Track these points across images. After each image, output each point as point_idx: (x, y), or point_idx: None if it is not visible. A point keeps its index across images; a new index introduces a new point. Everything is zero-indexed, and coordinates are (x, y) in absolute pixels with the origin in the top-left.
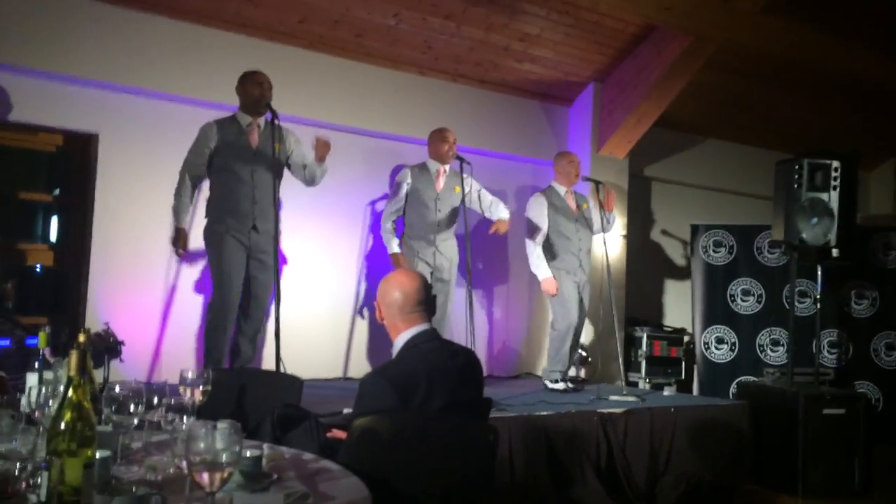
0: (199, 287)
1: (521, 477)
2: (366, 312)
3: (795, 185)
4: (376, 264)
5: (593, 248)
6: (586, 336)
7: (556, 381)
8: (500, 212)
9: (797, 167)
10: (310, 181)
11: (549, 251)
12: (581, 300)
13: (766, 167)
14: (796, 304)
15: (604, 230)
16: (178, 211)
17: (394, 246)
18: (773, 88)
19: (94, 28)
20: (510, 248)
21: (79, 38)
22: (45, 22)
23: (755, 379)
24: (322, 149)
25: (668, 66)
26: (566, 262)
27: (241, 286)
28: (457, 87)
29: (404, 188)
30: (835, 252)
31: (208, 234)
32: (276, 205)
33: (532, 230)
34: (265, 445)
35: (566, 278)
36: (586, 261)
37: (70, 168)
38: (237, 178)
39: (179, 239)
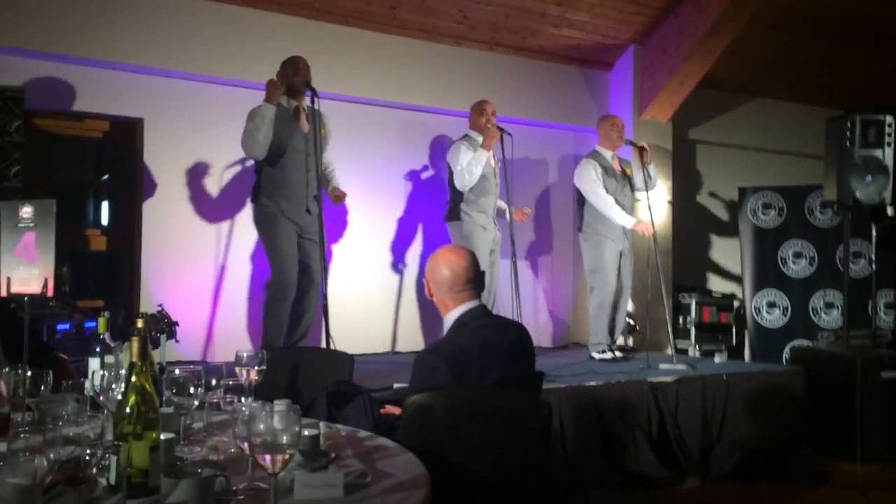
0: (248, 266)
1: (574, 448)
2: (408, 287)
3: (847, 143)
4: (418, 237)
5: (638, 214)
6: (635, 304)
7: (603, 351)
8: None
9: (849, 123)
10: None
11: (595, 215)
12: (620, 269)
13: (816, 125)
14: (850, 265)
15: (647, 188)
16: (256, 117)
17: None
18: (821, 42)
19: (134, 14)
20: (553, 218)
21: (120, 24)
22: (86, 10)
23: (809, 343)
24: (336, 201)
25: (710, 23)
26: (611, 227)
27: (296, 266)
28: (494, 56)
29: (468, 156)
30: (890, 210)
31: (261, 216)
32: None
33: (593, 191)
34: (321, 424)
35: (609, 246)
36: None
37: (117, 153)
38: (293, 162)
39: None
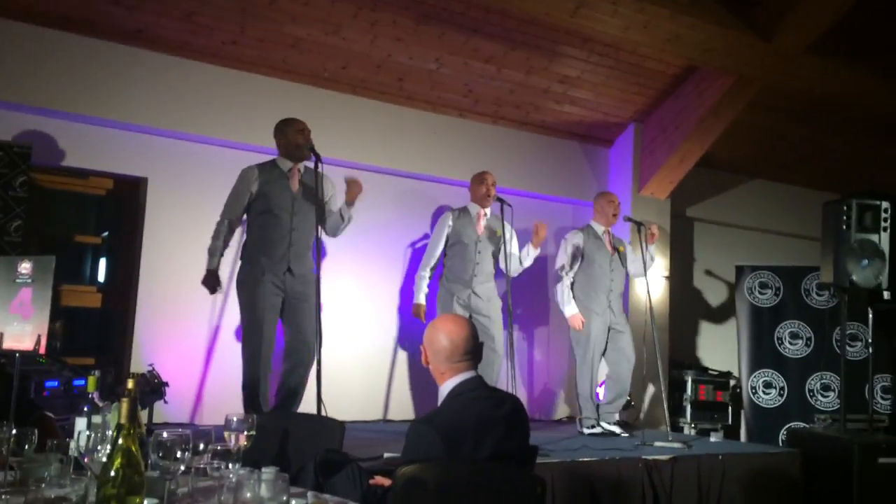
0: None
1: None
2: (403, 354)
3: (844, 227)
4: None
5: (636, 291)
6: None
7: (592, 427)
8: (521, 264)
9: (846, 208)
10: (333, 230)
11: (579, 289)
12: (609, 341)
13: (813, 207)
14: (847, 347)
15: (645, 268)
16: (212, 252)
17: (420, 296)
18: (818, 128)
19: (143, 75)
20: (550, 290)
21: (128, 84)
22: (94, 69)
23: (806, 425)
24: (353, 188)
25: (709, 106)
26: (595, 301)
27: (275, 329)
28: (497, 129)
29: (445, 230)
30: (886, 294)
31: (242, 276)
32: (320, 248)
33: (563, 265)
34: (310, 494)
35: (593, 318)
36: (616, 303)
37: (119, 211)
38: (276, 221)
39: (210, 279)
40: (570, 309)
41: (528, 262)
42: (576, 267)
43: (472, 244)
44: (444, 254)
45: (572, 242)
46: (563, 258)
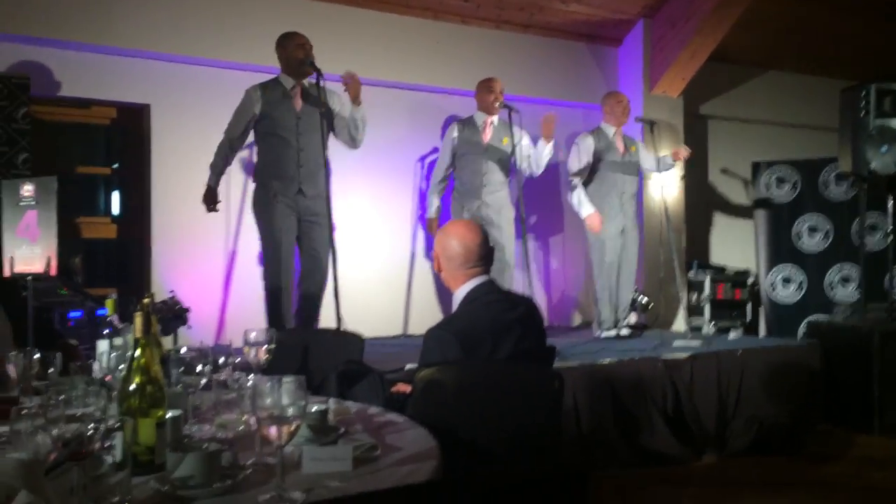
0: (259, 251)
1: (588, 426)
2: (420, 269)
3: (862, 113)
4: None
5: (650, 192)
6: (648, 281)
7: (609, 329)
8: (538, 163)
9: (864, 93)
10: (353, 139)
11: (593, 192)
12: (624, 244)
13: (830, 97)
14: (867, 238)
15: (658, 171)
16: (211, 168)
17: (431, 211)
18: (834, 12)
19: None
20: (564, 197)
21: (124, 9)
22: None
23: (825, 318)
24: (352, 84)
25: None
26: (606, 204)
27: (293, 250)
28: (501, 34)
29: (451, 144)
30: None
31: (256, 199)
32: (326, 167)
33: (575, 169)
34: (331, 400)
35: (607, 222)
36: (629, 205)
37: (125, 140)
38: (282, 142)
39: (208, 195)
40: (587, 209)
41: (545, 161)
42: (586, 168)
43: (479, 154)
44: (454, 166)
45: (583, 145)
46: (574, 162)
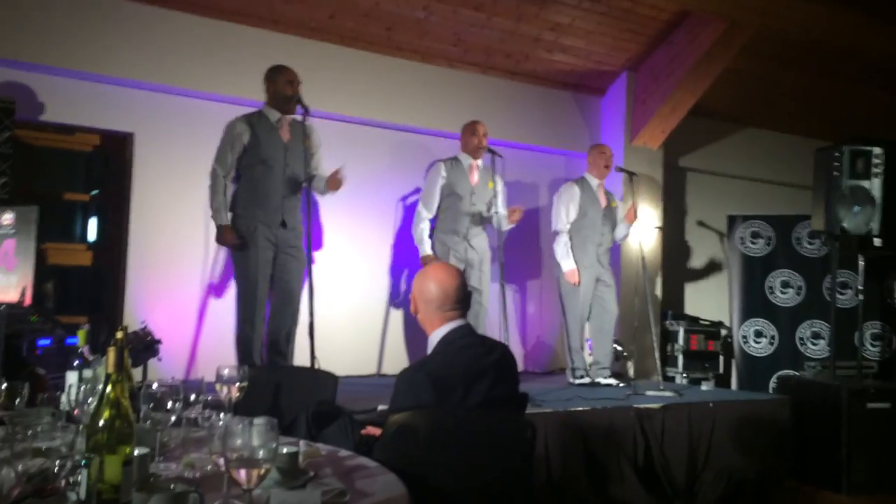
0: (234, 284)
1: (558, 474)
2: (392, 310)
3: (836, 173)
4: (408, 259)
5: (628, 242)
6: (622, 330)
7: (581, 377)
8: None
9: (837, 154)
10: (317, 191)
11: (570, 242)
12: (599, 295)
13: (805, 155)
14: (838, 295)
15: (617, 240)
16: (217, 209)
17: (426, 247)
18: (811, 74)
19: (128, 27)
20: (542, 242)
21: (113, 37)
22: (79, 22)
23: (796, 373)
24: (335, 185)
25: (702, 52)
26: (584, 254)
27: (268, 282)
28: (487, 79)
29: (439, 181)
30: (877, 241)
31: (235, 231)
32: (310, 201)
33: (560, 218)
34: (301, 442)
35: (582, 272)
36: (605, 258)
37: (107, 168)
38: (269, 172)
39: (226, 235)
40: (569, 264)
41: (505, 229)
42: (573, 219)
43: (466, 196)
44: (437, 208)
45: (570, 194)
46: (562, 212)
